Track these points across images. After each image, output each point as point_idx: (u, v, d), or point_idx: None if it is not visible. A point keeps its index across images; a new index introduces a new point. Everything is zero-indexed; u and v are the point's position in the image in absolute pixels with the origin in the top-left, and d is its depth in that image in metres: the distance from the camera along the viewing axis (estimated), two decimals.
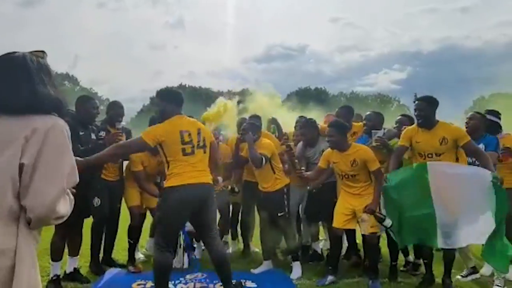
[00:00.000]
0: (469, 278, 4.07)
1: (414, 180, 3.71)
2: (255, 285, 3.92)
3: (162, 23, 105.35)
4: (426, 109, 3.77)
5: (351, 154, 3.92)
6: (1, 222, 1.29)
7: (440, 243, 3.67)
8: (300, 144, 4.71)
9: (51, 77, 1.51)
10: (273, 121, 5.13)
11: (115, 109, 4.46)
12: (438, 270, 3.99)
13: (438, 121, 3.80)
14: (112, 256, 4.63)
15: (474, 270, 4.12)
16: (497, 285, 3.83)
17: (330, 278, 4.02)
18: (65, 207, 1.37)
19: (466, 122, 4.17)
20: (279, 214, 4.32)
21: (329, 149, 4.11)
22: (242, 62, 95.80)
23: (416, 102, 3.85)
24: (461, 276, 4.10)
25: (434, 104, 3.82)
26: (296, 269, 4.29)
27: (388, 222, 3.69)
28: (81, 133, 3.90)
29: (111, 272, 4.27)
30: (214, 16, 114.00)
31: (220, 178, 4.78)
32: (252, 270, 4.40)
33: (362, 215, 3.84)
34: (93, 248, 4.34)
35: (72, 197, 1.43)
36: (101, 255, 4.47)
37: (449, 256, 3.83)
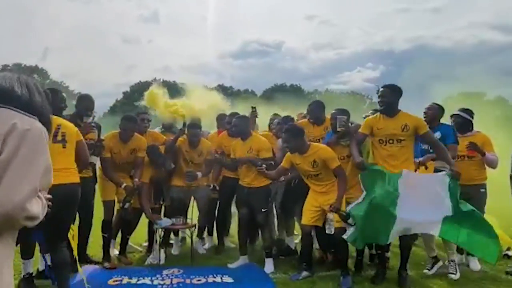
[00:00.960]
0: (435, 269, 4.23)
1: (386, 180, 3.73)
2: (232, 280, 3.95)
3: (136, 16, 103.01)
4: (389, 96, 3.89)
5: (310, 155, 3.95)
6: None
7: (390, 238, 3.76)
8: (280, 141, 4.73)
9: (43, 96, 1.53)
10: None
11: (84, 103, 4.38)
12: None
13: (400, 110, 3.92)
14: (87, 252, 4.57)
15: (436, 259, 4.28)
16: (451, 272, 4.03)
17: (304, 273, 4.07)
18: (37, 207, 1.32)
19: (424, 112, 4.37)
20: (263, 210, 4.37)
21: None
22: (218, 58, 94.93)
23: (380, 89, 3.96)
24: (427, 269, 4.26)
25: (397, 92, 3.92)
26: (269, 265, 4.35)
27: (352, 220, 3.76)
28: None
29: (86, 268, 4.20)
30: (190, 10, 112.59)
31: (199, 174, 4.79)
32: (228, 265, 4.45)
33: (328, 214, 3.90)
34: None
35: (45, 202, 1.39)
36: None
37: (404, 248, 3.95)
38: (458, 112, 4.52)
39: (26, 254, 3.70)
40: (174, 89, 5.79)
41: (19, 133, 1.32)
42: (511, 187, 4.35)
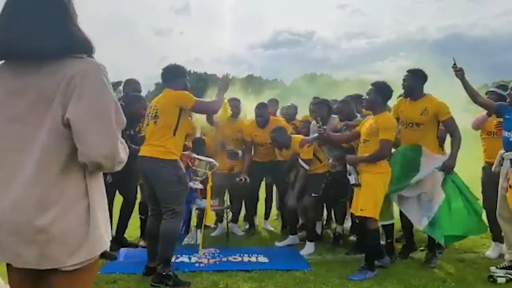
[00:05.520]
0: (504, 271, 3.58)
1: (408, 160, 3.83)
2: (267, 260, 4.01)
3: (167, 8, 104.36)
4: (410, 79, 3.89)
5: None
6: (63, 174, 1.30)
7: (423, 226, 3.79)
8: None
9: (76, 15, 1.38)
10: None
11: (131, 85, 4.52)
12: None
13: (425, 94, 3.90)
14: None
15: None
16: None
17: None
18: (123, 152, 1.36)
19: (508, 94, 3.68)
20: (313, 194, 4.42)
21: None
22: (248, 48, 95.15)
23: (405, 73, 3.97)
24: (497, 267, 3.64)
25: (419, 76, 3.89)
26: (308, 248, 4.36)
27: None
28: None
29: (124, 251, 4.26)
30: (220, 1, 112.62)
31: (239, 152, 4.90)
32: (276, 243, 4.63)
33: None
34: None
35: (126, 146, 1.41)
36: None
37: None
38: (493, 89, 4.30)
39: None
40: (204, 81, 5.77)
41: (79, 87, 1.25)
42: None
